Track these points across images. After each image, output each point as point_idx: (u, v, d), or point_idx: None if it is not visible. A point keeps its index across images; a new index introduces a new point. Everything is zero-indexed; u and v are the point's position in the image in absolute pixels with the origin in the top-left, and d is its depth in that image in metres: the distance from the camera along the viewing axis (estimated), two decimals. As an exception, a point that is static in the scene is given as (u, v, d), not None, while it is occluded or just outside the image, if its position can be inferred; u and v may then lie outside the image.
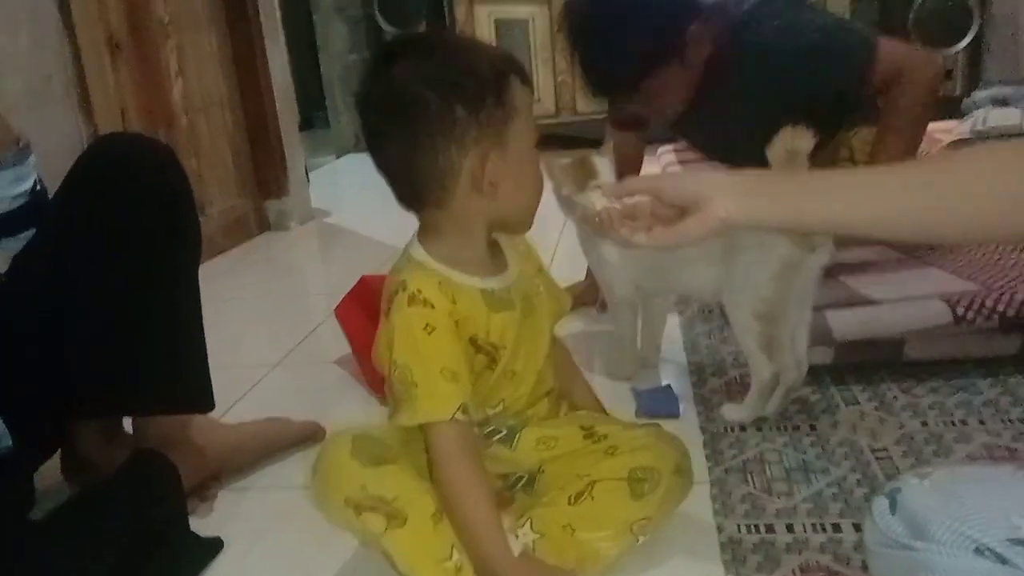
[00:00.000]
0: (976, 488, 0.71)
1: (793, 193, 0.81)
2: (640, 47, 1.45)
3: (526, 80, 0.96)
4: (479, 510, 0.91)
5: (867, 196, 0.78)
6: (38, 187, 1.10)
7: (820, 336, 1.36)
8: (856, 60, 1.54)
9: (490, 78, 0.91)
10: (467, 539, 0.90)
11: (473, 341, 0.97)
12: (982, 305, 1.34)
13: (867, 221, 0.79)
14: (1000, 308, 1.33)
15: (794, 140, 1.10)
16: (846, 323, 1.36)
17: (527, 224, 1.03)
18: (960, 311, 1.33)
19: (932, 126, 2.73)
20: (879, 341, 1.37)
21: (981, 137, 2.48)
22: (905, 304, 1.37)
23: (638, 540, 0.97)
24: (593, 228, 0.91)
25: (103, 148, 1.10)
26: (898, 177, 0.80)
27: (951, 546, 0.67)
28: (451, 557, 0.89)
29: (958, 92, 3.61)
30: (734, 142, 1.50)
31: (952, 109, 3.14)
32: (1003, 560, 0.65)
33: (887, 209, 0.77)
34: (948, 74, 3.76)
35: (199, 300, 1.16)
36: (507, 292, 1.00)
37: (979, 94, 2.97)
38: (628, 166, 1.79)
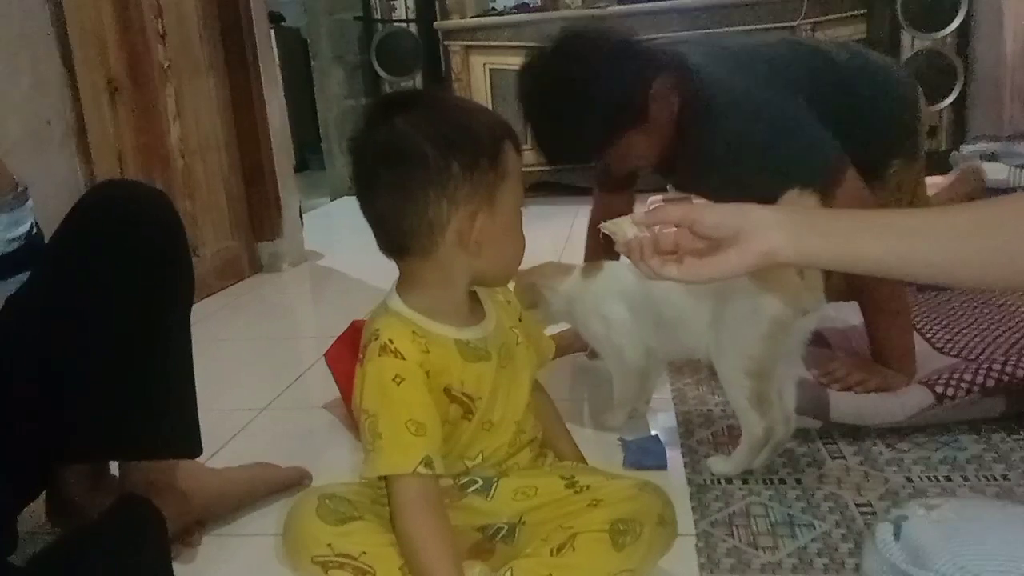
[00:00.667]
0: (983, 526, 0.71)
1: (849, 232, 0.78)
2: (600, 118, 1.38)
3: (518, 146, 0.99)
4: (439, 564, 0.90)
5: (924, 239, 0.75)
6: (34, 231, 1.11)
7: (817, 410, 1.39)
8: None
9: (486, 140, 0.95)
10: None
11: (447, 391, 0.98)
12: (960, 380, 1.36)
13: (925, 265, 0.77)
14: (979, 381, 1.35)
15: (801, 198, 1.12)
16: (844, 407, 1.38)
17: (505, 281, 1.06)
18: (939, 389, 1.36)
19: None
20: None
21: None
22: (892, 397, 1.39)
23: None
24: (625, 256, 0.89)
25: (100, 195, 1.12)
26: (957, 220, 0.77)
27: None
28: None
29: (944, 147, 3.68)
30: (722, 182, 1.52)
31: (937, 164, 3.20)
32: None
33: (945, 254, 0.75)
34: (932, 131, 3.83)
35: (190, 346, 1.17)
36: (483, 343, 1.01)
37: (967, 148, 3.04)
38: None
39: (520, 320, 1.12)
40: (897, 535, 0.73)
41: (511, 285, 1.20)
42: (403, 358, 0.94)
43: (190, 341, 1.17)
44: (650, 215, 0.86)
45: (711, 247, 0.81)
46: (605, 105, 1.37)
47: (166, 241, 1.10)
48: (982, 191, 2.53)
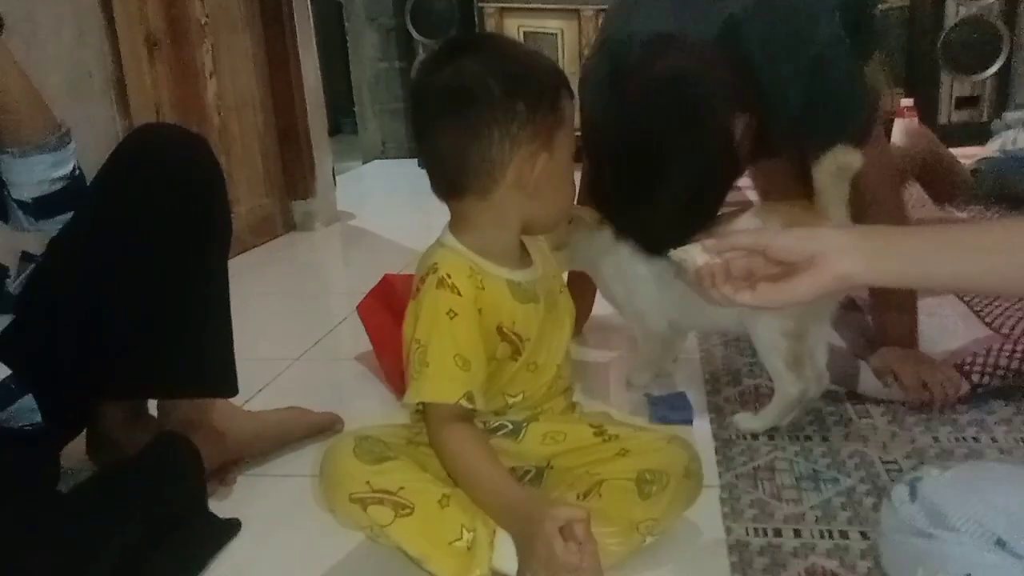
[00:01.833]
0: (999, 485, 0.72)
1: (923, 252, 0.78)
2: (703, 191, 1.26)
3: (572, 95, 1.01)
4: (483, 464, 0.94)
5: (1000, 256, 0.75)
6: (76, 172, 1.13)
7: (846, 381, 1.39)
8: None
9: (548, 84, 0.97)
10: (480, 496, 0.93)
11: (499, 329, 1.00)
12: (996, 367, 1.35)
13: (1000, 280, 0.77)
14: (1014, 366, 1.35)
15: (844, 156, 1.12)
16: (873, 382, 1.38)
17: (553, 227, 1.07)
18: (975, 379, 1.35)
19: (956, 151, 2.75)
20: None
21: (1009, 156, 2.50)
22: None
23: (645, 540, 0.99)
24: (691, 285, 0.87)
25: (141, 137, 1.14)
26: None
27: (971, 536, 0.68)
28: (461, 537, 0.91)
29: (985, 118, 3.61)
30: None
31: (978, 134, 3.15)
32: (1021, 557, 0.66)
33: (1021, 270, 0.75)
34: (975, 100, 3.76)
35: (227, 287, 1.19)
36: (532, 286, 1.03)
37: (1009, 115, 2.98)
38: None
39: (557, 273, 1.13)
40: (913, 496, 0.74)
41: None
42: (459, 294, 0.96)
43: (227, 283, 1.19)
44: (721, 243, 0.86)
45: (784, 272, 0.80)
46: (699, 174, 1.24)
47: (204, 183, 1.12)
48: (934, 152, 2.50)
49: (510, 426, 1.06)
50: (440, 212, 1.03)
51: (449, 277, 0.96)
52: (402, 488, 0.93)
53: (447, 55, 0.97)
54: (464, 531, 0.91)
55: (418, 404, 1.01)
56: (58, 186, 1.11)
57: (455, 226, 1.02)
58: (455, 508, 0.93)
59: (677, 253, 0.86)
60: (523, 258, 1.05)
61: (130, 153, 1.13)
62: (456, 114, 0.95)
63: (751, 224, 1.28)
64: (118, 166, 1.12)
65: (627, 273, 1.42)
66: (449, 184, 0.99)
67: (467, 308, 0.96)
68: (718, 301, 0.84)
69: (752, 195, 1.91)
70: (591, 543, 0.85)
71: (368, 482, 0.94)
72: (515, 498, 0.91)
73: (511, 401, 1.05)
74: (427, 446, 1.01)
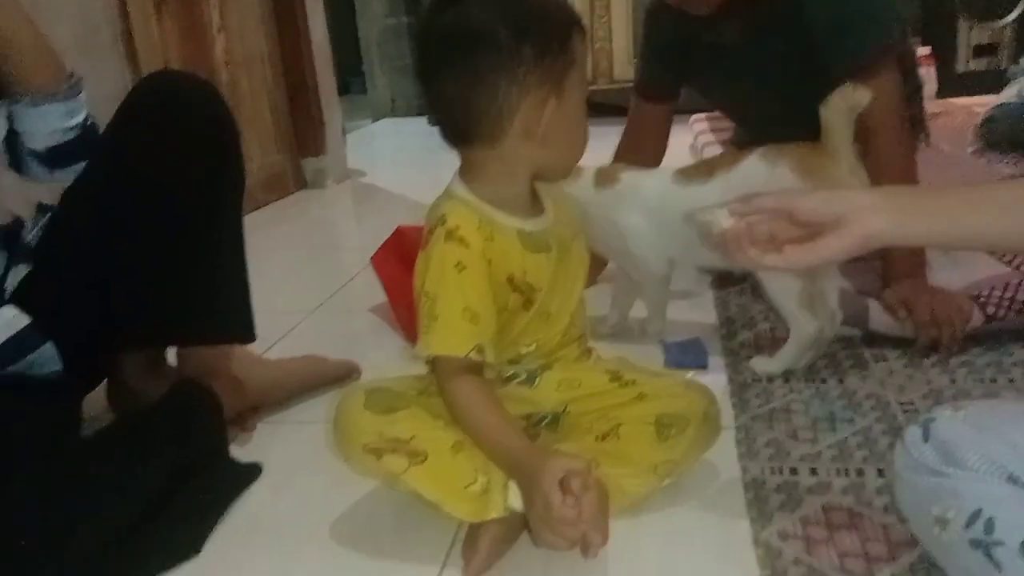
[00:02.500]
0: (1013, 423, 0.72)
1: (950, 210, 0.78)
2: None
3: (584, 35, 0.97)
4: (490, 416, 0.93)
5: None
6: (89, 122, 1.13)
7: (856, 320, 1.39)
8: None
9: (557, 25, 0.93)
10: (487, 448, 0.92)
11: (510, 280, 0.98)
12: (1013, 300, 1.34)
13: None
14: None
15: (854, 95, 1.10)
16: (884, 318, 1.37)
17: (565, 175, 1.04)
18: (990, 311, 1.34)
19: (967, 101, 2.71)
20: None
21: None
22: None
23: (663, 482, 0.99)
24: (715, 248, 0.87)
25: (153, 84, 1.13)
26: None
27: (983, 473, 0.68)
28: (475, 481, 0.91)
29: (1004, 65, 3.54)
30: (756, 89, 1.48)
31: (996, 83, 3.09)
32: None
33: None
34: (994, 48, 3.70)
35: (243, 234, 1.19)
36: (543, 235, 1.01)
37: (1026, 62, 2.93)
38: (647, 142, 1.75)
39: (572, 220, 1.11)
40: (926, 437, 0.74)
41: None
42: (467, 246, 0.94)
43: (242, 229, 1.20)
44: (746, 205, 0.85)
45: (809, 233, 0.80)
46: None
47: (217, 128, 1.12)
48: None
49: (524, 375, 1.06)
50: (451, 169, 1.02)
51: (458, 229, 0.94)
52: (414, 436, 0.92)
53: None
54: (478, 475, 0.91)
55: (427, 357, 1.00)
56: (71, 135, 1.11)
57: (465, 174, 1.00)
58: (468, 453, 0.93)
59: (702, 215, 0.86)
60: (534, 206, 1.03)
61: (142, 100, 1.12)
62: (460, 60, 0.92)
63: (757, 167, 1.27)
64: (131, 113, 1.12)
65: (618, 223, 1.39)
66: (456, 132, 0.97)
67: (476, 260, 0.94)
68: (743, 264, 0.84)
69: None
70: (590, 496, 0.83)
71: (380, 432, 0.93)
72: (520, 450, 0.91)
73: (524, 351, 1.04)
74: (439, 396, 1.00)
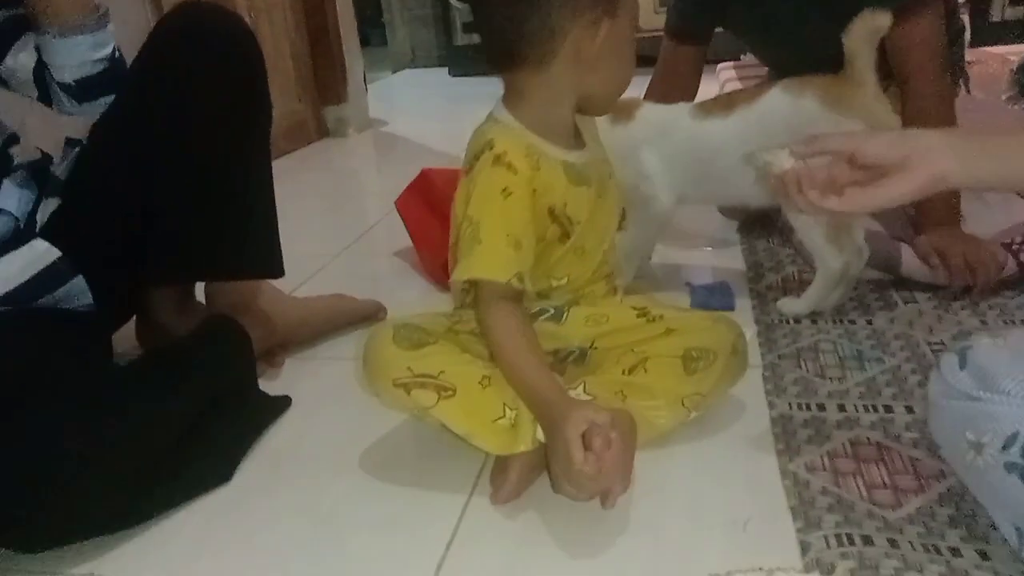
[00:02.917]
0: None
1: (1020, 150, 0.76)
2: None
3: None
4: (524, 350, 0.93)
5: None
6: (117, 55, 1.12)
7: (889, 265, 1.38)
8: None
9: None
10: (515, 381, 0.92)
11: (551, 211, 0.97)
12: None
13: None
14: None
15: (875, 20, 1.08)
16: (917, 265, 1.36)
17: (608, 107, 1.03)
18: (1023, 257, 1.32)
19: (1002, 49, 2.65)
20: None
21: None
22: None
23: (690, 415, 0.99)
24: (773, 189, 0.85)
25: (180, 16, 1.12)
26: None
27: (1020, 396, 0.68)
28: (504, 415, 0.91)
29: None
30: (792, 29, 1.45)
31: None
32: None
33: None
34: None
35: (270, 171, 1.19)
36: (585, 168, 1.00)
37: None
38: (678, 86, 1.71)
39: (607, 159, 1.10)
40: (963, 364, 0.73)
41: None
42: (515, 172, 0.93)
43: (270, 165, 1.19)
44: (810, 145, 0.83)
45: (870, 177, 0.78)
46: None
47: (245, 60, 1.11)
48: None
49: (552, 311, 1.05)
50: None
51: (505, 154, 0.93)
52: (443, 371, 0.92)
53: None
54: (507, 409, 0.91)
55: (465, 283, 0.99)
56: (99, 67, 1.10)
57: (509, 100, 0.98)
58: (497, 387, 0.93)
59: (764, 155, 0.84)
60: (577, 139, 1.02)
61: (170, 32, 1.11)
62: None
63: (780, 100, 1.25)
64: (158, 46, 1.11)
65: (631, 160, 1.34)
66: (505, 55, 0.94)
67: (522, 187, 0.93)
68: (802, 207, 0.82)
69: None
70: (611, 452, 0.82)
71: (409, 367, 0.93)
72: (547, 391, 0.90)
73: (555, 284, 1.04)
74: (468, 333, 1.01)
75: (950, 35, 1.60)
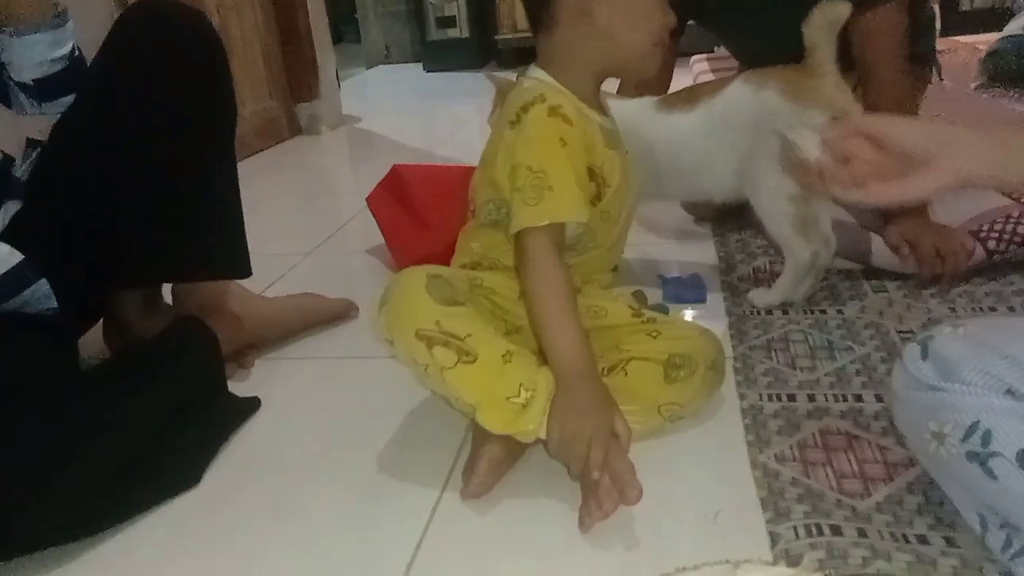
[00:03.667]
0: (1010, 337, 0.71)
1: None
2: None
3: None
4: (563, 309, 0.91)
5: None
6: (76, 53, 1.11)
7: (859, 254, 1.38)
8: None
9: None
10: (547, 337, 0.91)
11: (591, 169, 0.99)
12: (1013, 235, 1.33)
13: None
14: None
15: (834, 10, 1.09)
16: (887, 254, 1.36)
17: (644, 71, 1.02)
18: (991, 245, 1.34)
19: (974, 38, 2.67)
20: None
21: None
22: None
23: (665, 423, 0.99)
24: (796, 175, 0.85)
25: (141, 13, 1.10)
26: None
27: (981, 387, 0.68)
28: (519, 395, 0.88)
29: (1008, 3, 3.49)
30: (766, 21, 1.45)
31: (1002, 21, 3.05)
32: None
33: None
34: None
35: (235, 168, 1.18)
36: (615, 134, 1.03)
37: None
38: (654, 82, 1.72)
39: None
40: (925, 354, 0.73)
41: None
42: (571, 123, 0.95)
43: (235, 164, 1.18)
44: (841, 126, 0.82)
45: (892, 163, 0.77)
46: None
47: (208, 57, 1.10)
48: None
49: None
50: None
51: (560, 107, 0.95)
52: (470, 335, 0.89)
53: None
54: (522, 390, 0.88)
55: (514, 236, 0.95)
56: (58, 67, 1.08)
57: (540, 62, 1.01)
58: (517, 365, 0.89)
59: (792, 136, 0.84)
60: (603, 106, 1.05)
61: (130, 29, 1.10)
62: None
63: (742, 92, 1.26)
64: (118, 44, 1.10)
65: None
66: (529, 18, 0.99)
67: (577, 139, 0.95)
68: (823, 197, 0.82)
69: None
70: (622, 461, 0.84)
71: (438, 322, 0.89)
72: (580, 353, 0.89)
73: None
74: (486, 295, 0.99)
75: (921, 24, 1.60)
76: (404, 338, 0.90)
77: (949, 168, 0.75)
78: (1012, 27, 2.49)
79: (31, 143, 1.16)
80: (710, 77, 2.76)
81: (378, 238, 1.66)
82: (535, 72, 1.00)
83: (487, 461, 0.90)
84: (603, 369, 0.99)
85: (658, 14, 0.98)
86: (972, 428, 0.68)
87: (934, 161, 0.75)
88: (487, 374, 0.88)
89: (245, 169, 1.21)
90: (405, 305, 0.91)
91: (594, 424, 0.84)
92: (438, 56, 4.40)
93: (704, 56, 3.08)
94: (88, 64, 1.13)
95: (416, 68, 4.57)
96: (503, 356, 0.89)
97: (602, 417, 0.85)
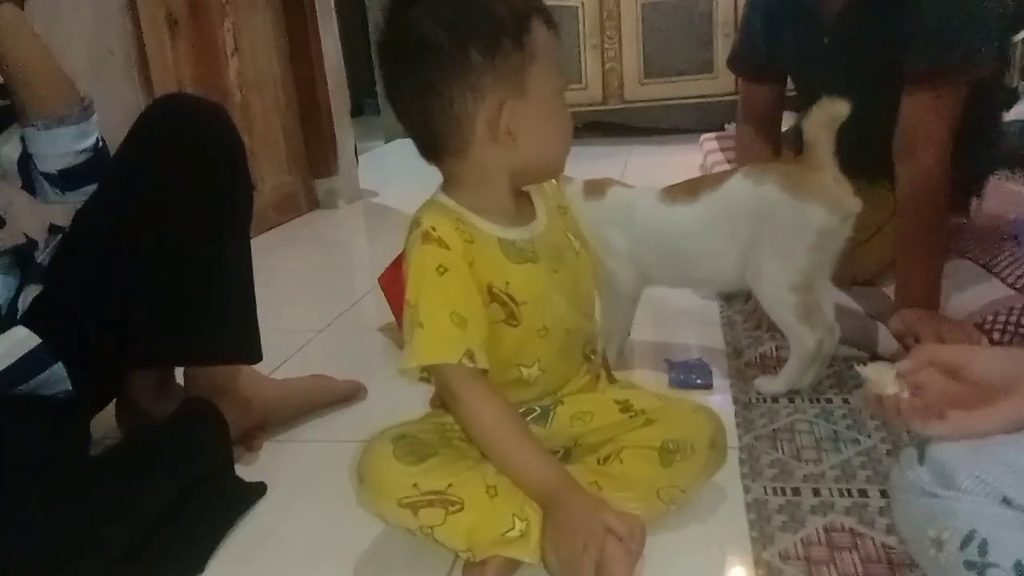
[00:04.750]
0: (1006, 446, 0.72)
1: None
2: None
3: (551, 22, 0.92)
4: (511, 439, 0.90)
5: None
6: (100, 144, 1.15)
7: (866, 343, 1.39)
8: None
9: (508, 20, 0.88)
10: (511, 471, 0.89)
11: (489, 289, 0.94)
12: (1018, 325, 1.34)
13: None
14: None
15: (833, 107, 1.12)
16: (892, 345, 1.37)
17: (551, 174, 1.01)
18: (996, 336, 1.34)
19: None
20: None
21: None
22: None
23: (666, 507, 0.97)
24: (874, 408, 0.82)
25: (162, 107, 1.15)
26: None
27: (976, 494, 0.68)
28: (514, 527, 0.88)
29: (1015, 84, 3.53)
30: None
31: (1009, 101, 3.08)
32: None
33: None
34: (1003, 68, 3.69)
35: (250, 255, 1.21)
36: (530, 244, 0.97)
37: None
38: (758, 125, 1.74)
39: (577, 228, 1.07)
40: (921, 459, 0.74)
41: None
42: (447, 247, 0.90)
43: (250, 251, 1.21)
44: (920, 354, 0.80)
45: (973, 392, 0.75)
46: None
47: (226, 151, 1.14)
48: None
49: (538, 410, 1.02)
50: None
51: (434, 230, 0.90)
52: (450, 485, 0.88)
53: (399, 6, 0.90)
54: (516, 520, 0.87)
55: (423, 373, 0.95)
56: (82, 158, 1.13)
57: (445, 185, 0.97)
58: (504, 497, 0.89)
59: (867, 371, 0.82)
60: (523, 212, 0.99)
61: (152, 123, 1.14)
62: (412, 72, 0.89)
63: (742, 186, 1.27)
64: (140, 137, 1.14)
65: (597, 236, 1.30)
66: (428, 148, 0.94)
67: (457, 262, 0.90)
68: (900, 428, 0.79)
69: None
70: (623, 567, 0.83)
71: (415, 484, 0.88)
72: (552, 480, 0.88)
73: (526, 372, 0.99)
74: (460, 440, 0.97)
75: (994, 105, 1.63)
76: (389, 511, 0.91)
77: None
78: (1018, 111, 2.51)
79: (54, 229, 1.20)
80: (719, 155, 2.82)
81: (391, 316, 1.69)
82: (434, 194, 0.97)
83: (496, 565, 0.89)
84: (598, 460, 0.98)
85: (566, 110, 0.96)
86: (969, 537, 0.67)
87: (1019, 388, 0.73)
88: (478, 517, 0.88)
89: (262, 243, 1.24)
90: (380, 479, 0.91)
91: (583, 537, 0.83)
92: (455, 130, 4.47)
93: (714, 135, 3.14)
94: (111, 154, 1.18)
95: (434, 142, 4.65)
96: (487, 492, 0.89)
97: (590, 525, 0.84)
